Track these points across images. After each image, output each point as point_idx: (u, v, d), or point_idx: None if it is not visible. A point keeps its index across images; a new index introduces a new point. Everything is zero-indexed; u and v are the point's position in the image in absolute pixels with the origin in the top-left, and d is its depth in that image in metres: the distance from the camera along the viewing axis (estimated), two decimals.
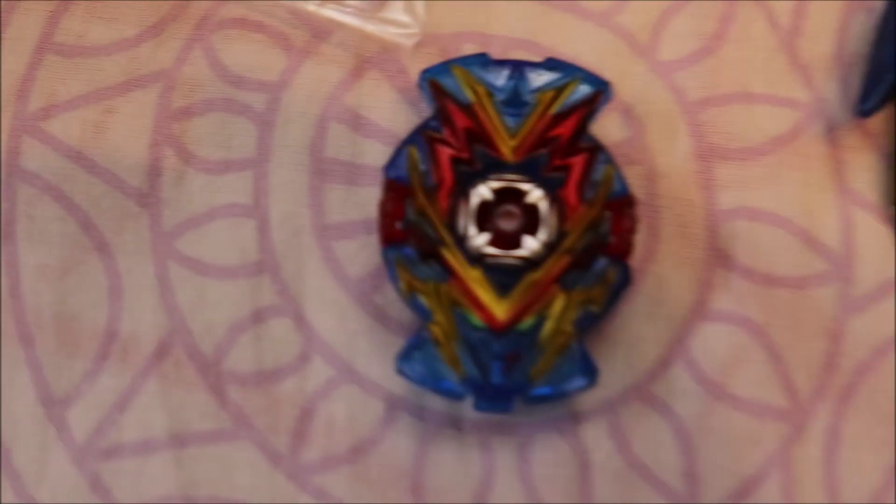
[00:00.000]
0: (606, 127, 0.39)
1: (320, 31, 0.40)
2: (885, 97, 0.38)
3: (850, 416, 0.38)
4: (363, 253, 0.38)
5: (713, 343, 0.38)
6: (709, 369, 0.38)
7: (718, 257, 0.39)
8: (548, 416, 0.38)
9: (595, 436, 0.38)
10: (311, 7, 0.40)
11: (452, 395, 0.36)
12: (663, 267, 0.39)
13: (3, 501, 0.37)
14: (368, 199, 0.38)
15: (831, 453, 0.38)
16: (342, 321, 0.38)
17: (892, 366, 0.38)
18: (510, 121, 0.37)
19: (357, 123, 0.39)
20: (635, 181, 0.39)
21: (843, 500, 0.37)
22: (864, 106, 0.38)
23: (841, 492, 0.37)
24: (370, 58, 0.40)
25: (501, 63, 0.38)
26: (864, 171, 0.40)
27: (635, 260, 0.39)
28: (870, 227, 0.39)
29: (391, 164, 0.37)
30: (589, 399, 0.38)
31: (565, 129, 0.37)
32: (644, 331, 0.38)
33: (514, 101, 0.37)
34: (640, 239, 0.39)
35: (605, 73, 0.38)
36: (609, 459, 0.37)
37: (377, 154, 0.39)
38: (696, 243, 0.39)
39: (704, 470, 0.37)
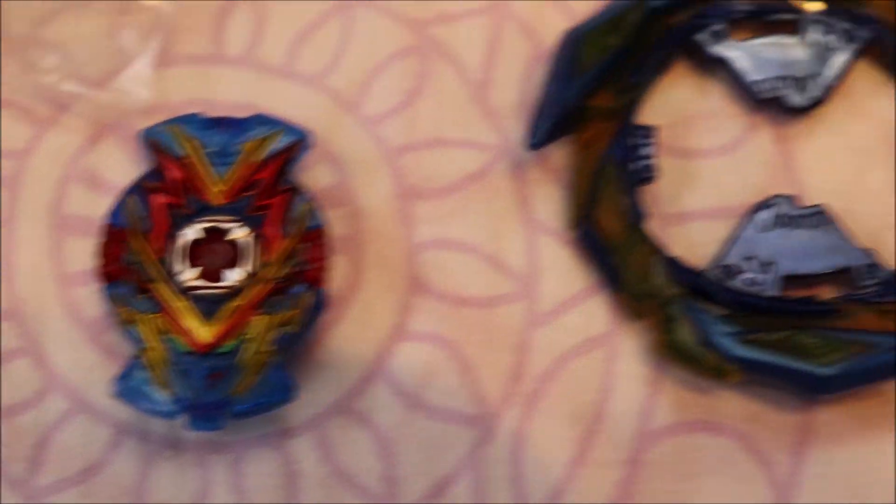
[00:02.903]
0: (318, 174, 0.46)
1: (62, 104, 0.48)
2: (552, 131, 0.45)
3: (534, 418, 0.44)
4: (98, 297, 0.45)
5: (410, 360, 0.45)
6: (406, 383, 0.44)
7: (416, 284, 0.46)
8: (260, 433, 0.44)
9: (303, 448, 0.44)
10: (53, 81, 0.47)
11: (164, 414, 0.42)
12: (367, 295, 0.45)
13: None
14: None
15: (517, 453, 0.44)
16: (78, 358, 0.45)
17: (571, 373, 0.44)
18: (220, 169, 0.44)
19: (94, 182, 0.47)
20: (342, 220, 0.46)
21: (527, 493, 0.43)
22: (533, 140, 0.45)
23: (526, 487, 0.43)
24: (107, 124, 0.47)
25: (213, 120, 0.45)
26: (546, 202, 0.46)
27: (342, 289, 0.46)
28: (552, 250, 0.46)
29: (113, 212, 0.44)
30: (298, 415, 0.44)
31: (267, 174, 0.44)
32: (349, 352, 0.45)
33: (224, 152, 0.45)
34: (346, 271, 0.46)
35: (317, 127, 0.46)
36: (315, 468, 0.44)
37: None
38: (397, 272, 0.46)
39: (402, 473, 0.43)
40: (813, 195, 0.46)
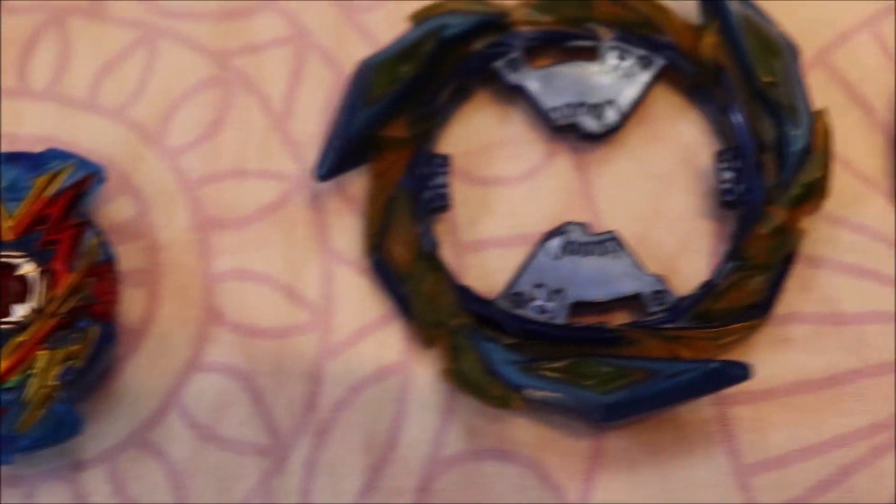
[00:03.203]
0: (117, 207, 0.47)
1: None
2: (339, 162, 0.45)
3: (326, 447, 0.45)
4: None
5: (204, 391, 0.45)
6: (199, 414, 0.45)
7: (212, 315, 0.46)
8: (52, 466, 0.44)
9: (94, 481, 0.44)
10: None
11: None
12: (163, 327, 0.46)
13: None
14: None
15: (308, 482, 0.44)
16: None
17: (365, 402, 0.45)
18: (10, 205, 0.45)
19: None
20: (140, 253, 0.46)
21: None
22: (319, 171, 0.45)
23: None
24: None
25: (9, 155, 0.45)
26: (344, 232, 0.47)
27: (137, 321, 0.46)
28: (348, 280, 0.47)
29: None
30: (91, 448, 0.44)
31: (57, 209, 0.45)
32: (145, 384, 0.45)
33: (15, 187, 0.45)
34: (142, 303, 0.46)
35: (118, 160, 0.47)
36: (107, 501, 0.44)
37: None
38: (194, 304, 0.46)
39: None
40: (609, 221, 0.46)
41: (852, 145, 0.48)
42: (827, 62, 0.49)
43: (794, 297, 0.46)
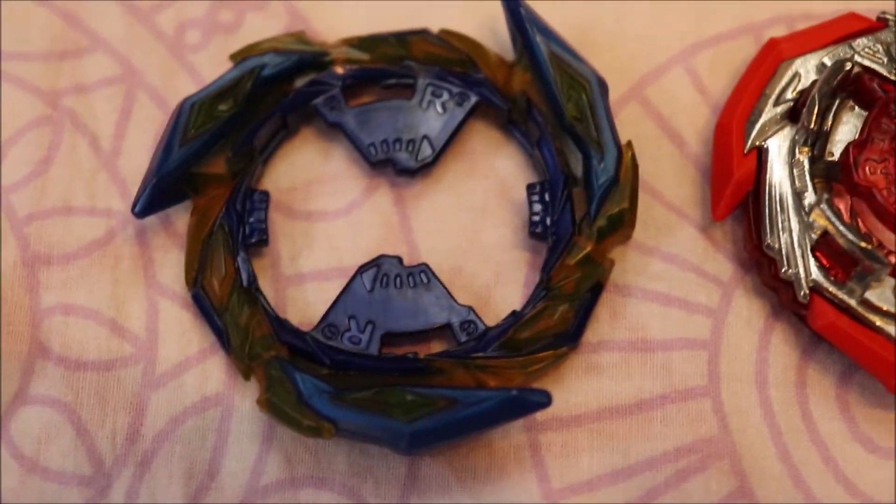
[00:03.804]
0: None
1: None
2: (154, 199, 0.47)
3: (148, 477, 0.47)
4: None
5: (29, 423, 0.47)
6: (24, 446, 0.47)
7: (39, 349, 0.48)
8: None
9: None
10: None
11: None
12: None
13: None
14: None
15: None
16: None
17: (186, 431, 0.47)
18: None
19: None
20: None
21: None
22: (134, 208, 0.47)
23: None
24: None
25: None
26: (168, 266, 0.49)
27: None
28: (173, 313, 0.49)
29: None
30: None
31: None
32: None
33: None
34: None
35: None
36: None
37: None
38: (20, 338, 0.48)
39: None
40: (426, 254, 0.48)
41: (664, 177, 0.50)
42: (641, 96, 0.51)
43: (605, 325, 0.49)
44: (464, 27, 0.52)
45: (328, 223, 0.50)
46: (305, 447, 0.47)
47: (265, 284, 0.48)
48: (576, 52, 0.48)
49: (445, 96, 0.49)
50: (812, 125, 0.46)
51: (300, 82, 0.50)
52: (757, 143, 0.48)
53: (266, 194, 0.48)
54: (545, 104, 0.48)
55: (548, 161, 0.48)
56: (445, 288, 0.46)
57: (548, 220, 0.47)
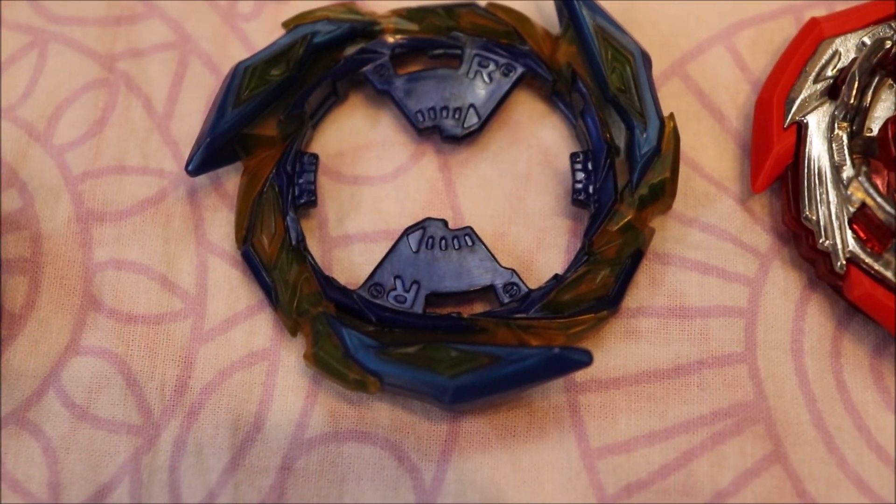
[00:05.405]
0: (4, 200, 0.51)
1: None
2: (207, 158, 0.50)
3: (195, 428, 0.49)
4: None
5: (80, 373, 0.49)
6: (76, 395, 0.49)
7: (91, 302, 0.50)
8: None
9: None
10: None
11: None
12: (44, 312, 0.50)
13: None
14: None
15: (176, 460, 0.49)
16: None
17: (233, 385, 0.49)
18: None
19: None
20: (23, 243, 0.50)
21: (183, 498, 0.48)
22: (187, 167, 0.50)
23: (181, 492, 0.48)
24: None
25: None
26: (218, 225, 0.51)
27: (19, 307, 0.50)
28: (222, 271, 0.51)
29: None
30: None
31: None
32: (25, 367, 0.49)
33: None
34: (24, 290, 0.50)
35: (7, 156, 0.51)
36: None
37: None
38: (73, 291, 0.50)
39: (66, 479, 0.48)
40: (470, 218, 0.51)
41: (704, 151, 0.52)
42: (683, 72, 0.53)
43: (644, 291, 0.50)
44: (510, 1, 0.53)
45: (375, 187, 0.52)
46: (349, 402, 0.49)
47: (312, 245, 0.51)
48: (620, 26, 0.50)
49: (492, 66, 0.51)
50: (851, 101, 0.48)
51: (350, 50, 0.52)
52: (797, 119, 0.50)
53: (315, 157, 0.50)
54: (589, 76, 0.50)
55: (591, 131, 0.50)
56: (489, 250, 0.48)
57: (590, 188, 0.49)
